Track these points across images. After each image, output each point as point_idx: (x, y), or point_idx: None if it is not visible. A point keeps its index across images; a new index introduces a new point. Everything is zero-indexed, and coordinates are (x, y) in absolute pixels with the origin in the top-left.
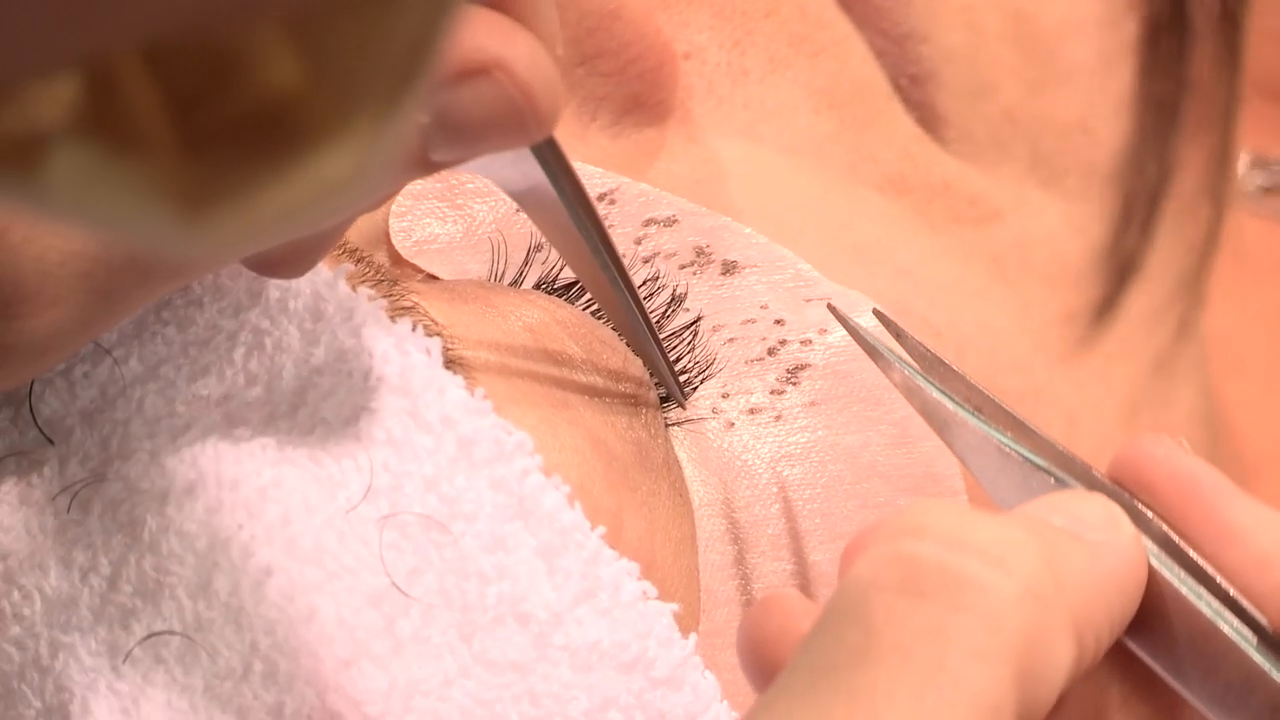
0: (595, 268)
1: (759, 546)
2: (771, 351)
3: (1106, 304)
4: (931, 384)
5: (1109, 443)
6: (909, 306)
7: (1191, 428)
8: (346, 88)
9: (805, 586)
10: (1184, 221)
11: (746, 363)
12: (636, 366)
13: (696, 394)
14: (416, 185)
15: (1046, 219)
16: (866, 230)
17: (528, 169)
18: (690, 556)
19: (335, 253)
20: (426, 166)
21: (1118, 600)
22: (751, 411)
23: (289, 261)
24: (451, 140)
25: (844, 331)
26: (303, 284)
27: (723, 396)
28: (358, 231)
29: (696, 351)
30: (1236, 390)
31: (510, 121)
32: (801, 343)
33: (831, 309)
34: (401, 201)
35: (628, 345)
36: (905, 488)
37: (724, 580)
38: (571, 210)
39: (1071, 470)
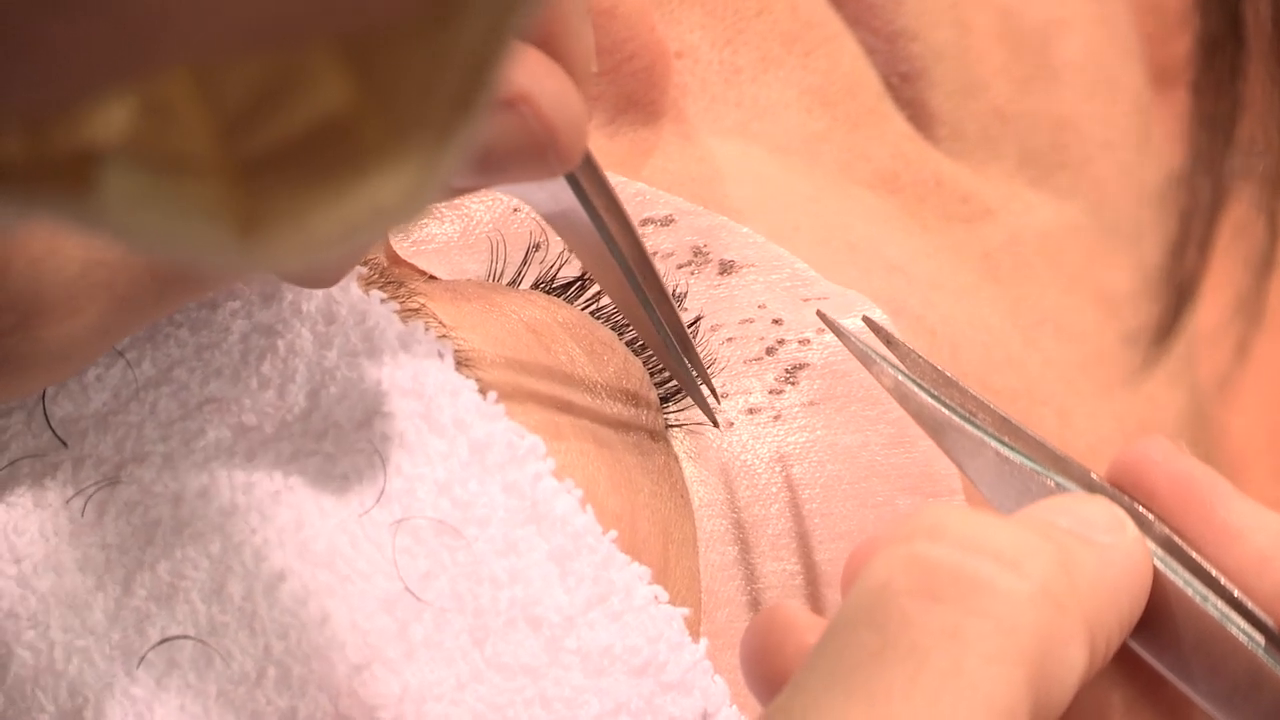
0: (629, 292)
1: (759, 547)
2: (770, 351)
3: (1166, 326)
4: (925, 389)
5: (1103, 443)
6: (903, 305)
7: (1181, 426)
8: (402, 111)
9: (806, 587)
10: (1239, 241)
11: (745, 362)
12: (637, 367)
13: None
14: None
15: (1037, 216)
16: (860, 229)
17: (557, 192)
18: (692, 557)
19: None
20: (446, 191)
21: (1126, 603)
22: (750, 411)
23: (323, 274)
24: (472, 168)
25: None
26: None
27: (722, 396)
28: None
29: (699, 352)
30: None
31: (532, 156)
32: (800, 342)
33: (821, 315)
34: None
35: (664, 370)
36: (903, 487)
37: (725, 581)
38: (604, 234)
39: (1069, 474)
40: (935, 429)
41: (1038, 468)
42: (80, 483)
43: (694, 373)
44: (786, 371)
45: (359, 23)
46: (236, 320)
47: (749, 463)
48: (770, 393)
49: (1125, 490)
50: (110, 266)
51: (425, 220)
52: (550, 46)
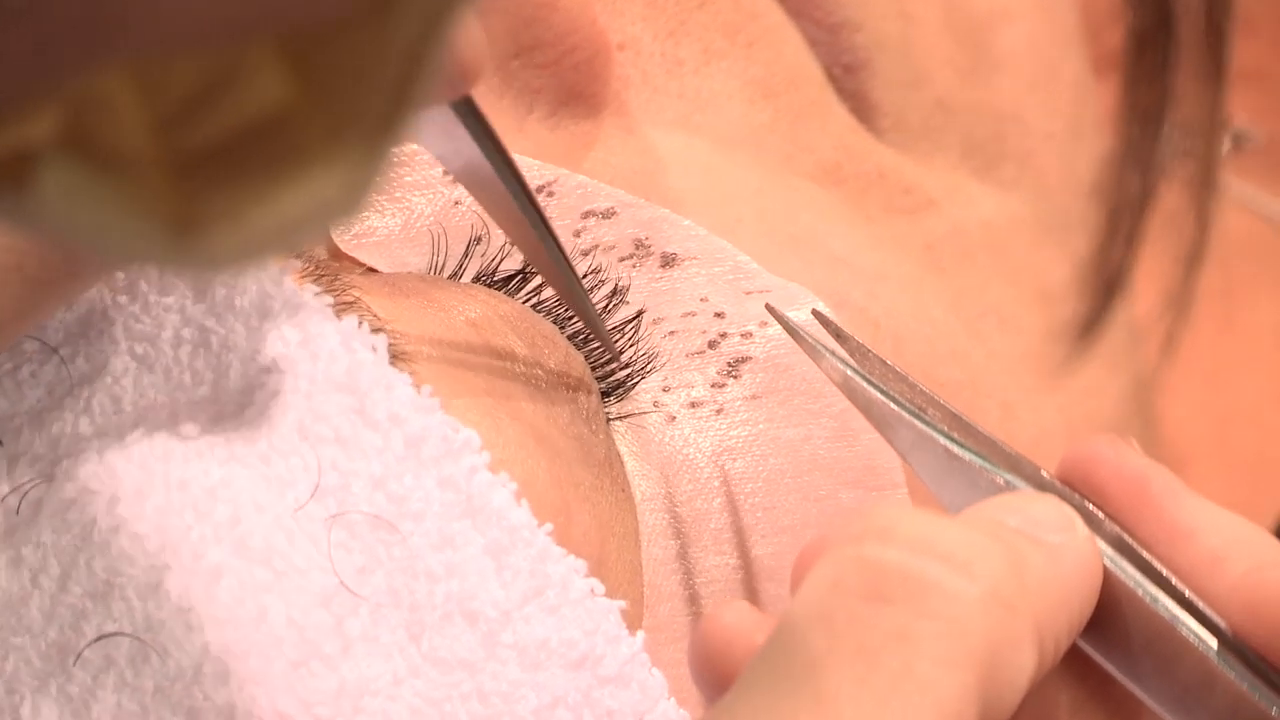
0: (534, 237)
1: (701, 541)
2: (712, 344)
3: (1092, 319)
4: (874, 384)
5: (1046, 435)
6: (846, 297)
7: (1126, 416)
8: (340, 106)
9: (748, 581)
10: (1169, 235)
11: (687, 356)
12: (578, 361)
13: (638, 388)
14: None
15: (980, 208)
16: (803, 220)
17: (461, 145)
18: (634, 551)
19: None
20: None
21: (1076, 603)
22: (693, 405)
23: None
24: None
25: None
26: (249, 281)
27: (664, 390)
28: None
29: (639, 345)
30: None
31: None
32: (742, 335)
33: (770, 309)
34: None
35: (606, 364)
36: (847, 481)
37: (667, 575)
38: (506, 180)
39: (1019, 471)
40: (883, 424)
41: (987, 464)
42: (15, 480)
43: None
44: (729, 365)
45: (297, 19)
46: (170, 316)
47: (691, 456)
48: (712, 386)
49: (1075, 488)
50: (18, 250)
51: (365, 214)
52: None
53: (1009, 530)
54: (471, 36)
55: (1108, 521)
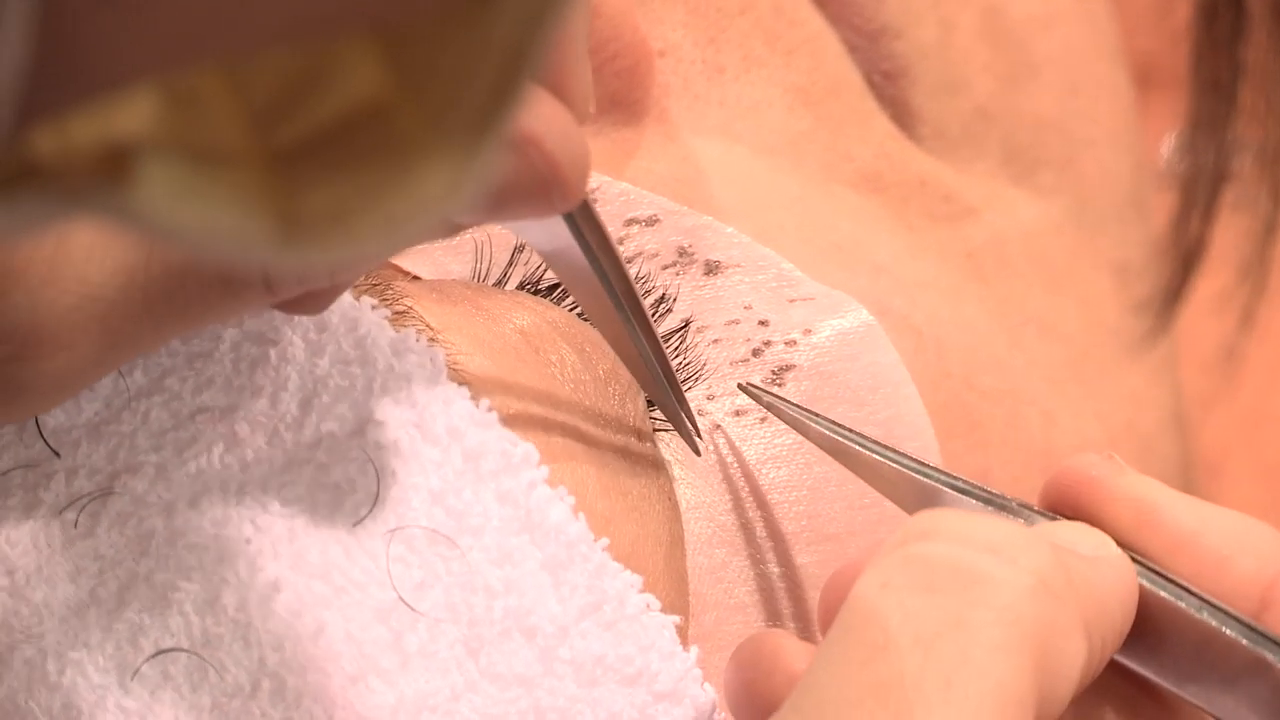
0: (622, 330)
1: (746, 549)
2: (756, 353)
3: (1173, 293)
4: (868, 445)
5: (1087, 443)
6: (888, 305)
7: (1164, 424)
8: (439, 99)
9: (792, 589)
10: (1242, 208)
11: (731, 364)
12: (624, 370)
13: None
14: None
15: (1020, 216)
16: (845, 228)
17: (554, 230)
18: (680, 560)
19: None
20: (449, 228)
21: (1118, 610)
22: (737, 413)
23: (309, 301)
24: (477, 205)
25: (830, 331)
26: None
27: (708, 398)
28: None
29: (686, 354)
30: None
31: (535, 194)
32: (786, 343)
33: (742, 387)
34: None
35: (658, 408)
36: None
37: (713, 584)
38: (599, 272)
39: (1031, 514)
40: (883, 484)
41: (1003, 503)
42: (73, 493)
43: (682, 412)
44: (773, 373)
45: (393, 11)
46: (228, 329)
47: (736, 465)
48: None
49: (1065, 512)
50: (105, 301)
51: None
52: (552, 85)
53: (1051, 539)
54: (578, 152)
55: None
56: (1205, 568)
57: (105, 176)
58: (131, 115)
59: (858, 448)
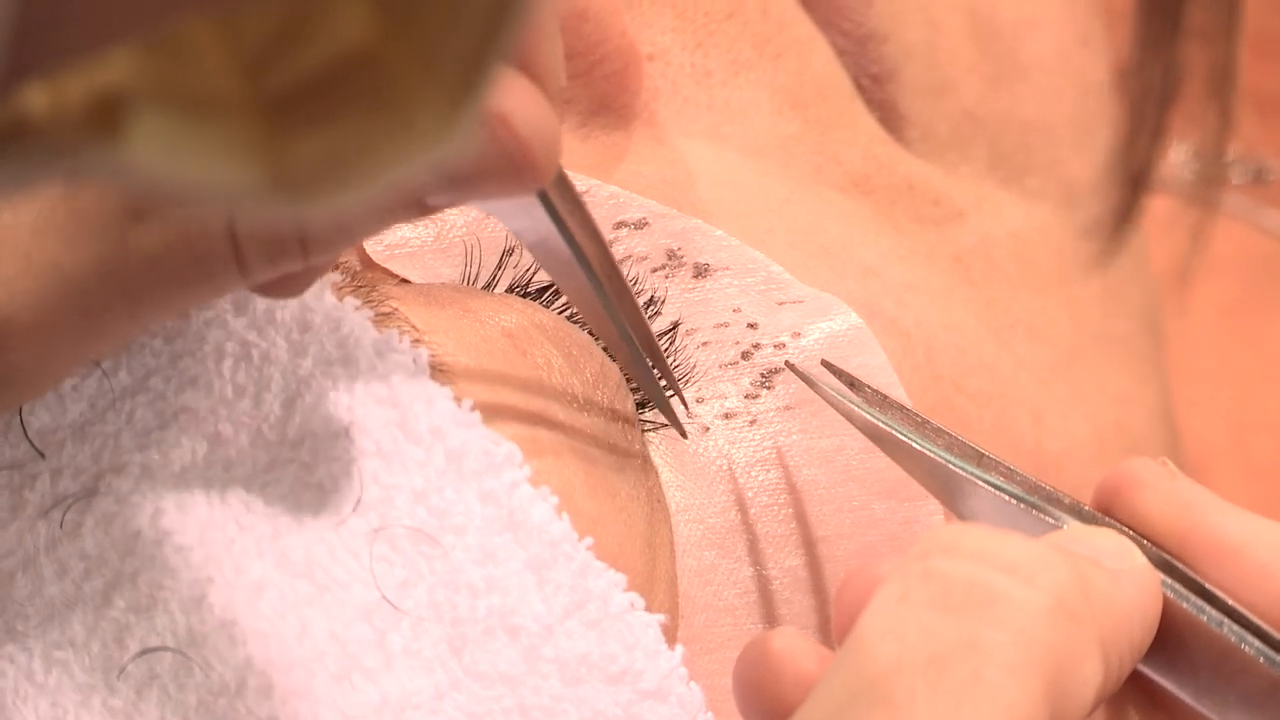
0: (603, 314)
1: (735, 552)
2: (745, 355)
3: (1123, 214)
4: (904, 433)
5: (1076, 444)
6: (877, 307)
7: (1153, 425)
8: (427, 44)
9: (782, 591)
10: (1191, 130)
11: (720, 367)
12: (613, 371)
13: (673, 399)
14: None
15: (1008, 218)
16: (833, 231)
17: (538, 218)
18: (669, 562)
19: None
20: (421, 209)
21: (1139, 625)
22: (726, 416)
23: (285, 284)
24: (445, 185)
25: (818, 334)
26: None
27: (697, 401)
28: None
29: (675, 357)
30: (1183, 391)
31: (505, 173)
32: (775, 346)
33: (790, 366)
34: None
35: (642, 395)
36: (879, 492)
37: (702, 586)
38: (575, 250)
39: (1061, 507)
40: (926, 474)
41: (1030, 503)
42: (59, 493)
43: (668, 388)
44: (762, 376)
45: None
46: (211, 329)
47: (725, 467)
48: (746, 397)
49: (1115, 515)
50: (81, 287)
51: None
52: (522, 63)
53: (1072, 552)
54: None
55: (1151, 546)
56: (1249, 580)
57: (96, 131)
58: (121, 69)
59: (898, 435)
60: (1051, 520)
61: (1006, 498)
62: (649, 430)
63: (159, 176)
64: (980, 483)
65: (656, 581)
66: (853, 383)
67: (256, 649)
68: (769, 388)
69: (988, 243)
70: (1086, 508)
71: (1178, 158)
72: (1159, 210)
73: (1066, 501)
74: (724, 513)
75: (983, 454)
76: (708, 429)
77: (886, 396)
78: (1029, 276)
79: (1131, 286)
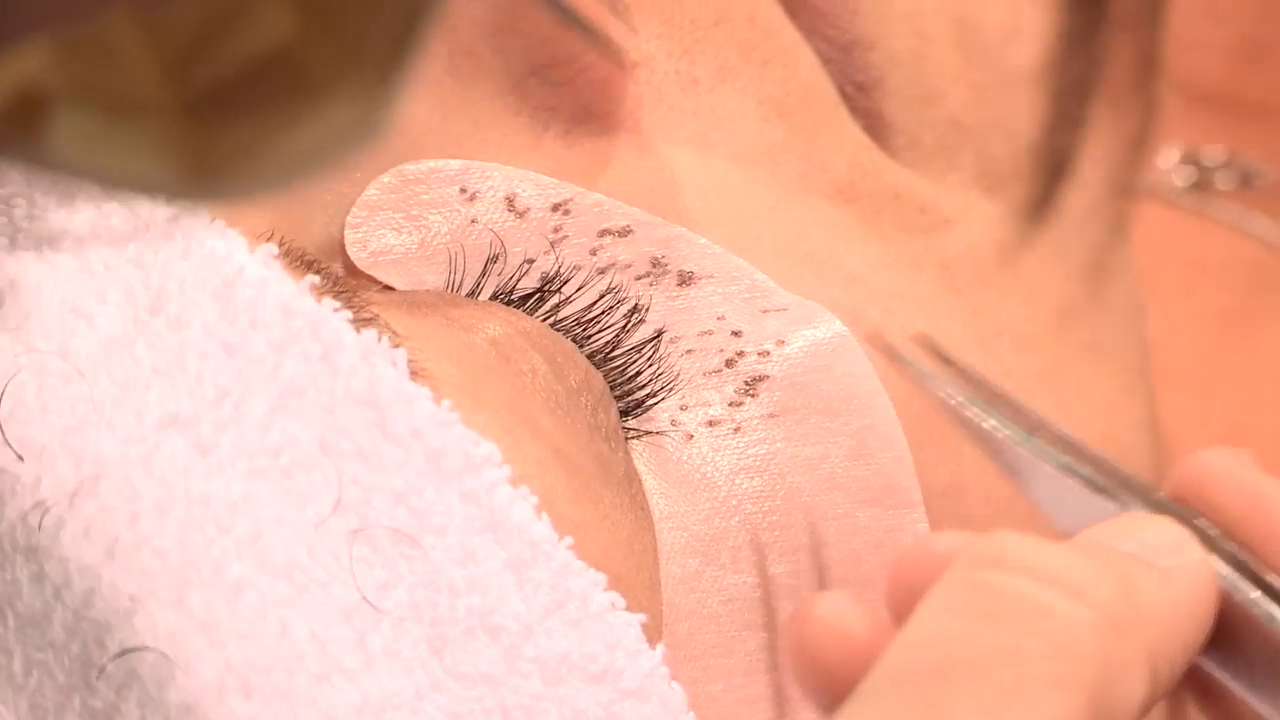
0: None
1: (719, 559)
2: (729, 363)
3: (1041, 202)
4: (982, 409)
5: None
6: (862, 315)
7: (1139, 434)
8: (346, 35)
9: (766, 599)
10: (1115, 118)
11: (704, 374)
12: (598, 380)
13: (656, 406)
14: (372, 196)
15: (994, 227)
16: (818, 239)
17: None
18: (652, 569)
19: (296, 265)
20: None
21: (1190, 627)
22: (710, 424)
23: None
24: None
25: (803, 342)
26: (270, 297)
27: (681, 408)
28: (313, 242)
29: (659, 365)
30: (1173, 400)
31: None
32: (759, 354)
33: (873, 338)
34: (356, 213)
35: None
36: (864, 499)
37: (686, 593)
38: None
39: (1133, 490)
40: (995, 450)
41: (1100, 486)
42: (37, 496)
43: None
44: (746, 383)
45: None
46: (191, 331)
47: (709, 475)
48: (730, 405)
49: (1187, 503)
50: None
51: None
52: None
53: (1121, 555)
54: None
55: (1222, 538)
56: None
57: (15, 125)
58: (38, 66)
59: (966, 411)
60: (1117, 506)
61: (1078, 479)
62: (633, 438)
63: (79, 169)
64: (1050, 461)
65: (640, 587)
66: (946, 358)
67: (236, 650)
68: (753, 395)
69: (974, 251)
70: (1159, 494)
71: (1166, 164)
72: (1145, 217)
73: (1138, 485)
74: (708, 520)
75: (1065, 435)
76: (691, 436)
77: (974, 371)
78: (1015, 285)
79: (1117, 295)
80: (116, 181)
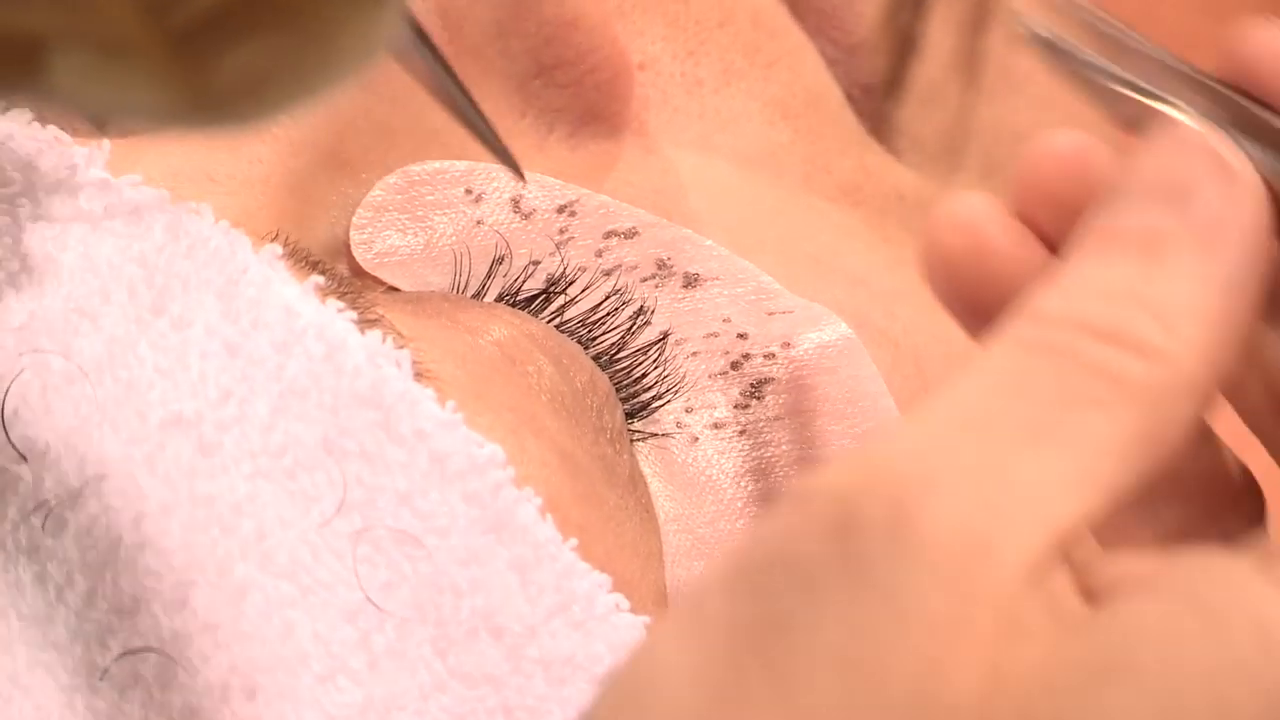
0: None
1: None
2: (735, 365)
3: (892, 82)
4: (1112, 74)
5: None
6: (866, 317)
7: None
8: None
9: None
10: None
11: (710, 377)
12: (603, 382)
13: (661, 409)
14: (377, 197)
15: None
16: (822, 241)
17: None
18: (657, 571)
19: (300, 265)
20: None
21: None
22: (715, 426)
23: None
24: None
25: (809, 344)
26: (274, 297)
27: (687, 411)
28: (318, 243)
29: (665, 367)
30: None
31: None
32: (765, 356)
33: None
34: (362, 213)
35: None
36: None
37: None
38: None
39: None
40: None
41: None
42: (40, 496)
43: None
44: (752, 386)
45: None
46: (195, 330)
47: (714, 478)
48: (735, 407)
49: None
50: None
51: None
52: None
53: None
54: None
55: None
56: None
57: (17, 64)
58: (29, 14)
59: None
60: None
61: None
62: (638, 440)
63: (85, 102)
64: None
65: (645, 590)
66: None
67: (240, 651)
68: (759, 398)
69: None
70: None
71: None
72: None
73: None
74: (713, 523)
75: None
76: (697, 439)
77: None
78: None
79: (945, 68)
80: (120, 111)
